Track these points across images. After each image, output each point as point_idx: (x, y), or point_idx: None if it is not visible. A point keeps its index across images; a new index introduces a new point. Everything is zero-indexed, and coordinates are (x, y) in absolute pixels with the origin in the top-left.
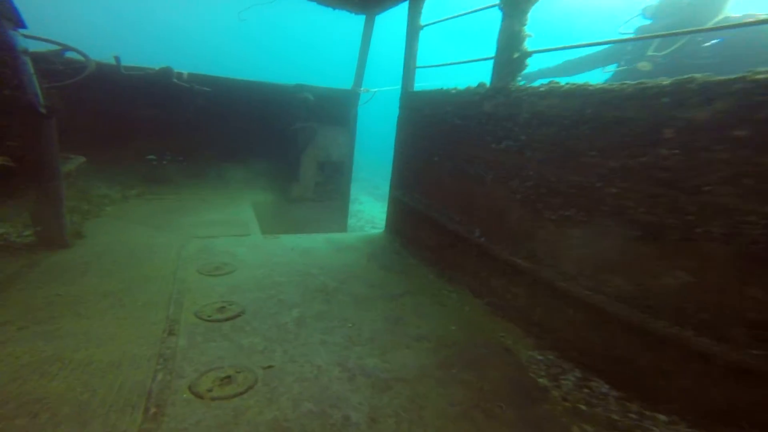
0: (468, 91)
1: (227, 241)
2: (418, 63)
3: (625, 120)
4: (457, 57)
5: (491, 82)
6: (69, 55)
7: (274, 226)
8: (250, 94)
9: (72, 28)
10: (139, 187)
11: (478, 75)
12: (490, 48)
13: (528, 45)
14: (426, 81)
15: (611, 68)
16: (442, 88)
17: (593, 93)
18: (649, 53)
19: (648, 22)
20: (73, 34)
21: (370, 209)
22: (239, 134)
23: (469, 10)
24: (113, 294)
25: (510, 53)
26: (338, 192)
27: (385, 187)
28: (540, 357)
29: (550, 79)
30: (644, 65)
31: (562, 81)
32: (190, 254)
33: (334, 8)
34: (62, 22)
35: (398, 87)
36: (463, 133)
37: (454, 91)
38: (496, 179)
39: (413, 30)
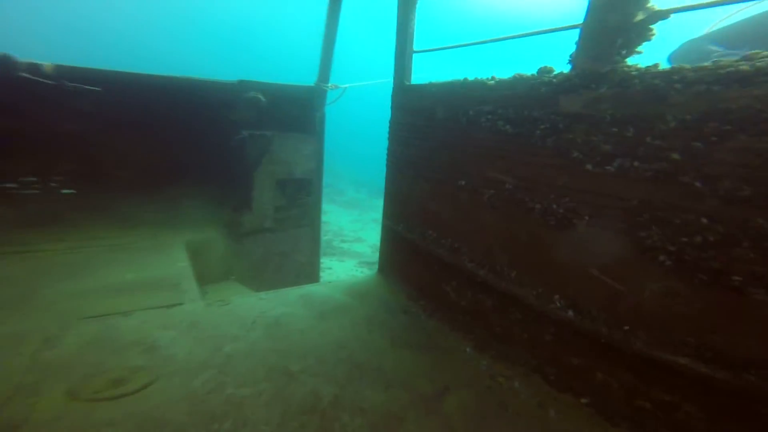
0: (523, 81)
1: (144, 319)
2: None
3: None
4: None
5: (575, 64)
6: None
7: (223, 276)
8: (173, 95)
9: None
10: None
11: (482, 67)
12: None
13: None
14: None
15: None
16: (463, 80)
17: None
18: None
19: None
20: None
21: (336, 220)
22: (161, 150)
23: None
24: None
25: (623, 13)
26: (306, 217)
27: (350, 192)
28: None
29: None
30: None
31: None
32: (66, 355)
33: None
34: None
35: (372, 81)
36: (518, 145)
37: (493, 83)
38: (603, 225)
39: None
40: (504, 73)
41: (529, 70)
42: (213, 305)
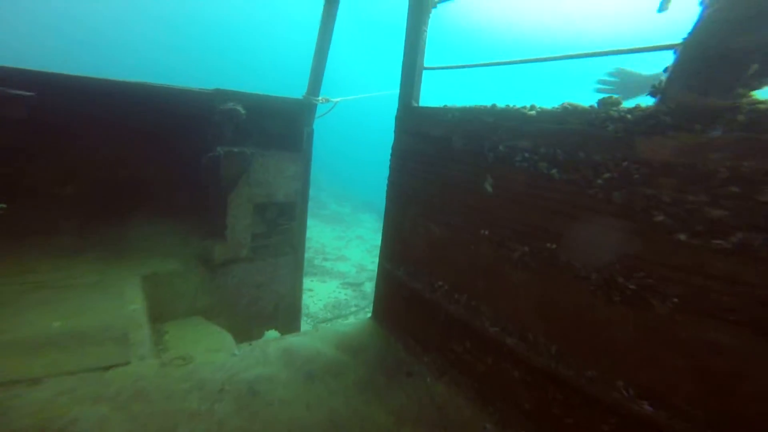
0: (578, 114)
1: (62, 389)
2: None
3: None
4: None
5: (665, 96)
6: None
7: (189, 311)
8: (132, 102)
9: None
10: None
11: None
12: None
13: None
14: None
15: None
16: (491, 106)
17: None
18: None
19: None
20: None
21: (317, 236)
22: (116, 165)
23: None
24: None
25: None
26: (287, 244)
27: (332, 206)
28: None
29: None
30: None
31: None
32: None
33: None
34: None
35: (368, 94)
36: (568, 196)
37: (534, 113)
38: (703, 311)
39: (421, 7)
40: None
41: (549, 103)
42: (169, 365)
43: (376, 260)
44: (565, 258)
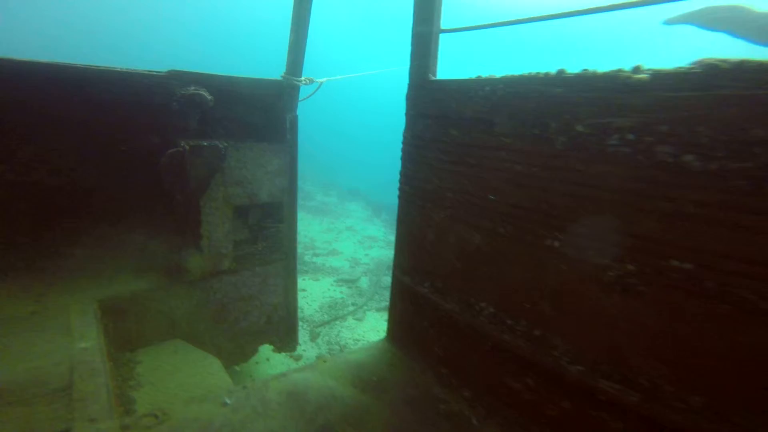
0: (739, 73)
1: None
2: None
3: None
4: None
5: None
6: None
7: (166, 333)
8: (65, 92)
9: None
10: None
11: None
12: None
13: None
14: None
15: None
16: (555, 73)
17: None
18: None
19: None
20: None
21: (305, 229)
22: (50, 165)
23: None
24: None
25: None
26: (277, 250)
27: (319, 196)
28: None
29: None
30: None
31: None
32: None
33: None
34: None
35: (360, 73)
36: (717, 194)
37: (644, 79)
38: None
39: None
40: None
41: None
42: (134, 430)
43: (370, 252)
44: (712, 284)
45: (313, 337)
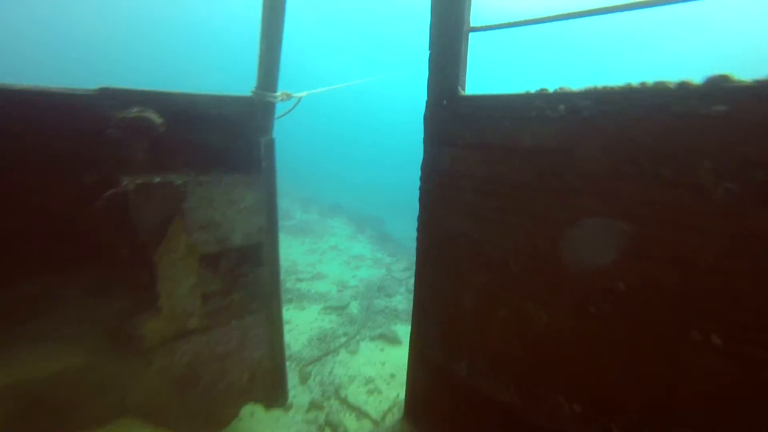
0: None
1: None
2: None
3: None
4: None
5: None
6: None
7: (118, 414)
8: None
9: None
10: None
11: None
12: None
13: None
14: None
15: None
16: (697, 86)
17: None
18: None
19: None
20: None
21: (286, 251)
22: None
23: None
24: None
25: None
26: (257, 299)
27: (297, 214)
28: None
29: None
30: None
31: None
32: None
33: None
34: None
35: (351, 82)
36: None
37: None
38: None
39: None
40: None
41: None
42: None
43: (357, 273)
44: None
45: (303, 378)
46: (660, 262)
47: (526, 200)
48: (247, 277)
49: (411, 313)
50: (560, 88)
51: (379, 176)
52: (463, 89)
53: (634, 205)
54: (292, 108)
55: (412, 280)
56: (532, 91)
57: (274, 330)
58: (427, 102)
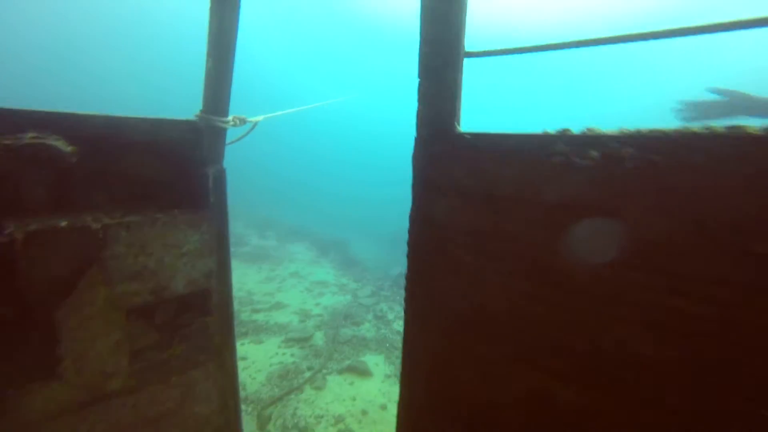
0: None
1: None
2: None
3: None
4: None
5: None
6: None
7: None
8: None
9: None
10: None
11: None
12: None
13: None
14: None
15: None
16: None
17: None
18: None
19: None
20: None
21: (240, 280)
22: None
23: None
24: None
25: None
26: (205, 348)
27: (253, 239)
28: None
29: None
30: None
31: None
32: None
33: None
34: None
35: (318, 104)
36: None
37: None
38: None
39: None
40: None
41: None
42: None
43: (321, 301)
44: None
45: (262, 423)
46: (736, 347)
47: (547, 268)
48: (192, 327)
49: (380, 342)
50: (588, 129)
51: (341, 196)
52: (458, 123)
53: (707, 285)
54: (247, 133)
55: (379, 306)
56: (551, 131)
57: (226, 381)
58: (416, 139)
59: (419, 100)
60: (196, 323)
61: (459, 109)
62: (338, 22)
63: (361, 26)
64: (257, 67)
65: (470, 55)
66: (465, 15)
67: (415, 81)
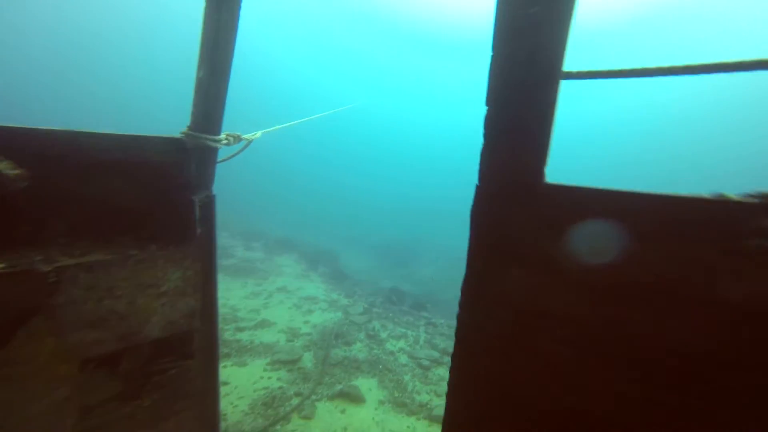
0: None
1: None
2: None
3: None
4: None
5: None
6: None
7: None
8: None
9: None
10: None
11: None
12: None
13: None
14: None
15: None
16: None
17: None
18: None
19: None
20: None
21: (223, 296)
22: None
23: None
24: None
25: None
26: (183, 396)
27: (239, 251)
28: None
29: None
30: None
31: None
32: None
33: None
34: None
35: (314, 116)
36: None
37: None
38: None
39: None
40: None
41: None
42: None
43: (310, 319)
44: None
45: None
46: None
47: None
48: (168, 373)
49: (373, 364)
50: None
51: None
52: (542, 175)
53: None
54: (241, 150)
55: (372, 324)
56: (729, 193)
57: (206, 429)
58: (478, 190)
59: (487, 137)
60: (174, 368)
61: (547, 153)
62: (348, 18)
63: (359, 18)
64: (266, 66)
65: (570, 76)
66: (570, 23)
67: (418, 82)
